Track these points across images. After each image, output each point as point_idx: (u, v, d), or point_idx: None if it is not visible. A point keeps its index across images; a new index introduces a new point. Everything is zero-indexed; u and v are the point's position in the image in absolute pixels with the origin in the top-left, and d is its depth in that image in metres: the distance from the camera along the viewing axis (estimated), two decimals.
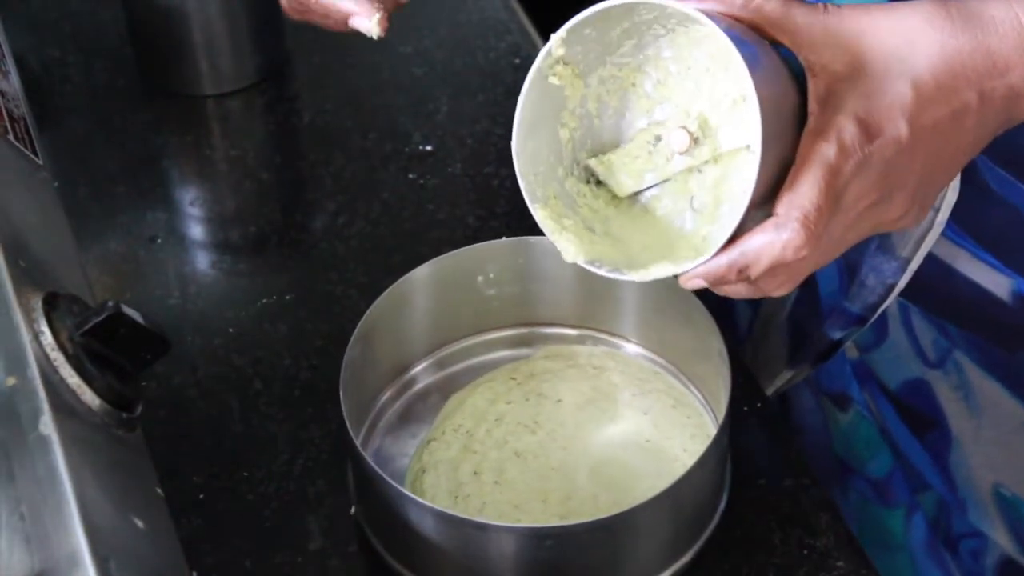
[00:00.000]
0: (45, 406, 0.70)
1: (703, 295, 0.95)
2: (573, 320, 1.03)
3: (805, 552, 0.93)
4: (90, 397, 0.74)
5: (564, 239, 0.80)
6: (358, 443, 0.91)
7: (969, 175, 0.89)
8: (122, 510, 0.71)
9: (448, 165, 1.19)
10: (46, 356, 0.72)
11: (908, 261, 0.94)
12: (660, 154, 0.81)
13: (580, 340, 1.03)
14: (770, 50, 0.76)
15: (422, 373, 1.03)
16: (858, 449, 1.09)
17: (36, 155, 0.89)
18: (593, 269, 0.79)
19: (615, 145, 0.83)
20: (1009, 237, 0.92)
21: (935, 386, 1.00)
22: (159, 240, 1.15)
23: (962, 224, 0.93)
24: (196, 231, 1.18)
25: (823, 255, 0.77)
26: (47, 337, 0.73)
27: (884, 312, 0.99)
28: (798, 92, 0.76)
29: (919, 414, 1.02)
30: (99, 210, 1.17)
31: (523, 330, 1.04)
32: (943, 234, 0.92)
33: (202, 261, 1.15)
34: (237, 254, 1.15)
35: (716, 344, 0.93)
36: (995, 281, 0.94)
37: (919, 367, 1.00)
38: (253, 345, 1.07)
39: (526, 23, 1.32)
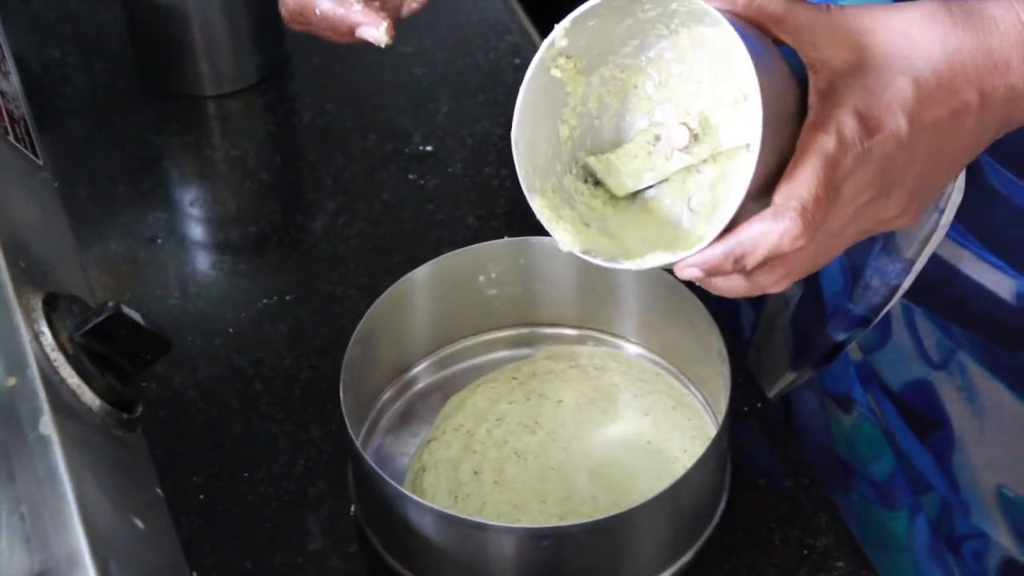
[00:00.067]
0: (45, 406, 0.70)
1: (705, 296, 0.95)
2: (574, 321, 1.03)
3: (805, 552, 0.93)
4: (90, 397, 0.74)
5: (561, 228, 0.80)
6: (358, 443, 0.91)
7: (974, 176, 0.89)
8: (122, 510, 0.71)
9: (448, 165, 1.19)
10: (46, 356, 0.72)
11: (912, 262, 0.94)
12: (659, 153, 0.81)
13: (581, 340, 1.03)
14: (772, 47, 0.76)
15: (423, 373, 1.03)
16: (861, 451, 1.09)
17: (36, 155, 0.89)
18: (589, 258, 0.79)
19: (615, 146, 0.83)
20: (1013, 238, 0.92)
21: (939, 387, 1.00)
22: (159, 240, 1.15)
23: (967, 225, 0.93)
24: (196, 231, 1.18)
25: (820, 250, 0.77)
26: (47, 337, 0.73)
27: (888, 313, 0.99)
28: (798, 89, 0.76)
29: (922, 415, 1.02)
30: (99, 210, 1.18)
31: (523, 330, 1.04)
32: (947, 235, 0.92)
33: (202, 261, 1.15)
34: (237, 254, 1.15)
35: (716, 345, 0.93)
36: (999, 282, 0.94)
37: (923, 368, 1.00)
38: (253, 345, 1.07)
39: (526, 23, 1.32)
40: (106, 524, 0.68)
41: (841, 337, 1.02)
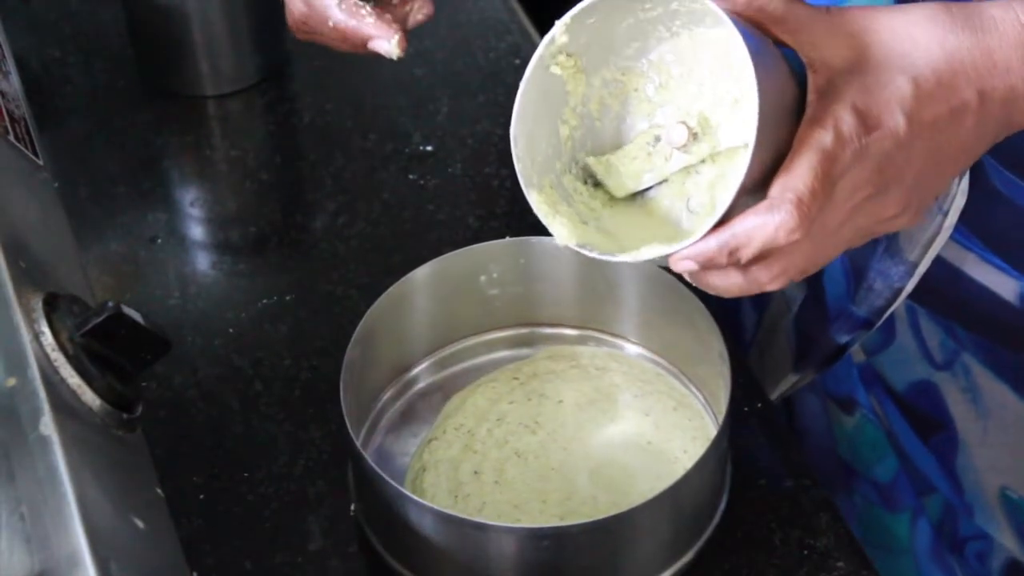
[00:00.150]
0: (45, 406, 0.70)
1: (706, 297, 0.95)
2: (575, 321, 1.03)
3: (805, 552, 0.93)
4: (90, 397, 0.74)
5: (557, 222, 0.80)
6: (358, 443, 0.91)
7: (977, 178, 0.89)
8: (122, 510, 0.71)
9: (448, 165, 1.19)
10: (46, 356, 0.72)
11: (915, 265, 0.94)
12: (659, 154, 0.81)
13: (582, 341, 1.03)
14: (772, 47, 0.76)
15: (423, 373, 1.03)
16: (863, 453, 1.09)
17: (36, 155, 0.89)
18: (584, 252, 0.79)
19: (615, 148, 0.83)
20: (1017, 240, 0.92)
21: (942, 388, 1.00)
22: (159, 240, 1.15)
23: (970, 227, 0.92)
24: (196, 231, 1.18)
25: (817, 247, 0.77)
26: (47, 337, 0.73)
27: (892, 314, 0.99)
28: (798, 89, 0.76)
29: (926, 416, 1.02)
30: (99, 211, 1.18)
31: (524, 330, 1.04)
32: (951, 237, 0.92)
33: (202, 262, 1.15)
34: (237, 255, 1.15)
35: (717, 345, 0.93)
36: (1003, 283, 0.94)
37: (926, 369, 1.00)
38: (253, 346, 1.07)
39: (526, 23, 1.32)
40: (106, 524, 0.68)
41: (844, 339, 1.02)
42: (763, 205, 0.74)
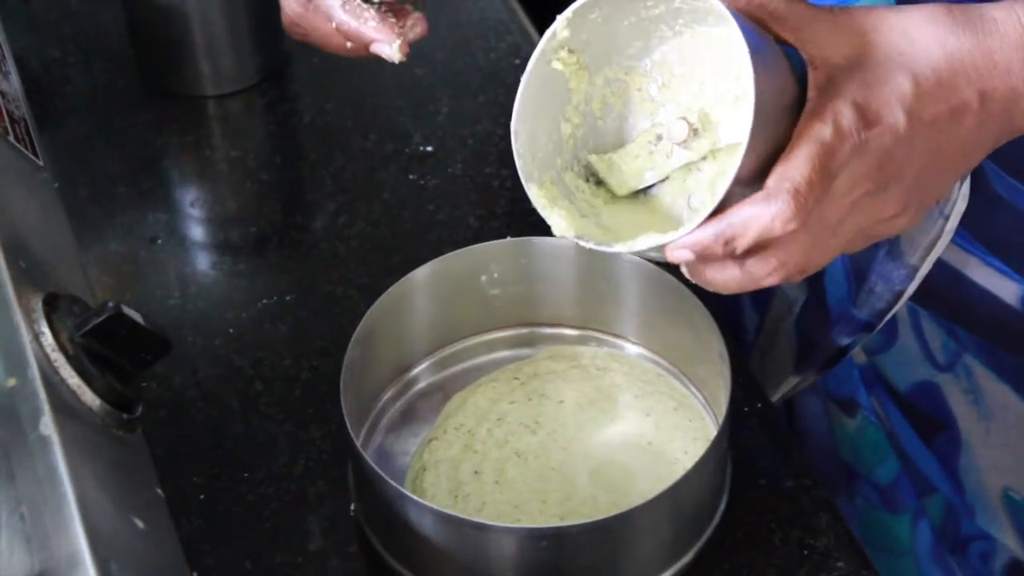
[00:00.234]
0: (45, 407, 0.70)
1: (707, 299, 0.95)
2: (575, 321, 1.03)
3: (805, 553, 0.93)
4: (90, 398, 0.74)
5: (556, 214, 0.79)
6: (358, 443, 0.91)
7: (978, 183, 0.89)
8: (122, 510, 0.71)
9: (449, 165, 1.19)
10: (46, 357, 0.72)
11: (916, 268, 0.93)
12: (660, 152, 0.81)
13: (582, 341, 1.03)
14: (774, 44, 0.76)
15: (423, 373, 1.03)
16: (864, 455, 1.09)
17: (36, 156, 0.89)
18: (582, 243, 0.79)
19: (617, 147, 0.83)
20: (1018, 244, 0.92)
21: (945, 389, 1.00)
22: (159, 241, 1.15)
23: (971, 231, 0.93)
24: (196, 232, 1.18)
25: (816, 243, 0.76)
26: (47, 338, 0.73)
27: (894, 316, 0.99)
28: (799, 87, 0.76)
29: (929, 417, 1.02)
30: (99, 211, 1.18)
31: (524, 330, 1.04)
32: (952, 240, 0.92)
33: (202, 262, 1.15)
34: (237, 255, 1.15)
35: (717, 346, 0.93)
36: (1004, 287, 0.94)
37: (928, 370, 1.00)
38: (253, 346, 1.07)
39: (526, 23, 1.32)
40: (106, 524, 0.68)
41: (845, 342, 1.02)
42: (760, 195, 0.74)
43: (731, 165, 0.76)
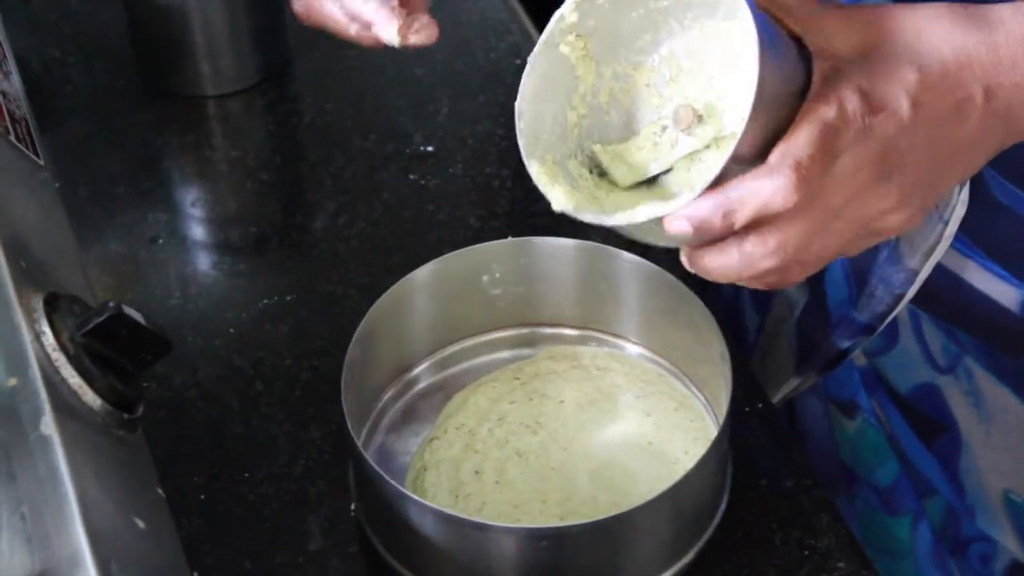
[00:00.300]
0: (46, 406, 0.70)
1: (709, 299, 0.95)
2: (576, 321, 1.03)
3: (806, 553, 0.93)
4: (91, 397, 0.74)
5: (556, 189, 0.79)
6: (359, 443, 0.91)
7: (978, 189, 0.89)
8: (123, 510, 0.71)
9: (449, 166, 1.19)
10: (47, 356, 0.72)
11: (916, 272, 0.93)
12: (665, 143, 0.81)
13: (583, 341, 1.03)
14: (786, 38, 0.76)
15: (424, 373, 1.03)
16: (865, 457, 1.09)
17: (37, 156, 0.89)
18: (581, 215, 0.78)
19: (622, 139, 0.83)
20: (1018, 250, 0.93)
21: (945, 391, 1.00)
22: (160, 241, 1.15)
23: (970, 236, 0.93)
24: (197, 232, 1.18)
25: (817, 227, 0.75)
26: (48, 337, 0.73)
27: (895, 318, 0.99)
28: (806, 76, 0.76)
29: (930, 419, 1.02)
30: (100, 211, 1.17)
31: (525, 330, 1.04)
32: (952, 245, 0.92)
33: (203, 262, 1.15)
34: (238, 255, 1.15)
35: (718, 346, 0.93)
36: (1003, 292, 0.94)
37: (929, 372, 1.01)
38: (254, 346, 1.07)
39: (527, 23, 1.32)
40: (107, 524, 0.68)
41: (845, 345, 1.02)
42: (761, 169, 0.73)
43: (734, 142, 0.75)
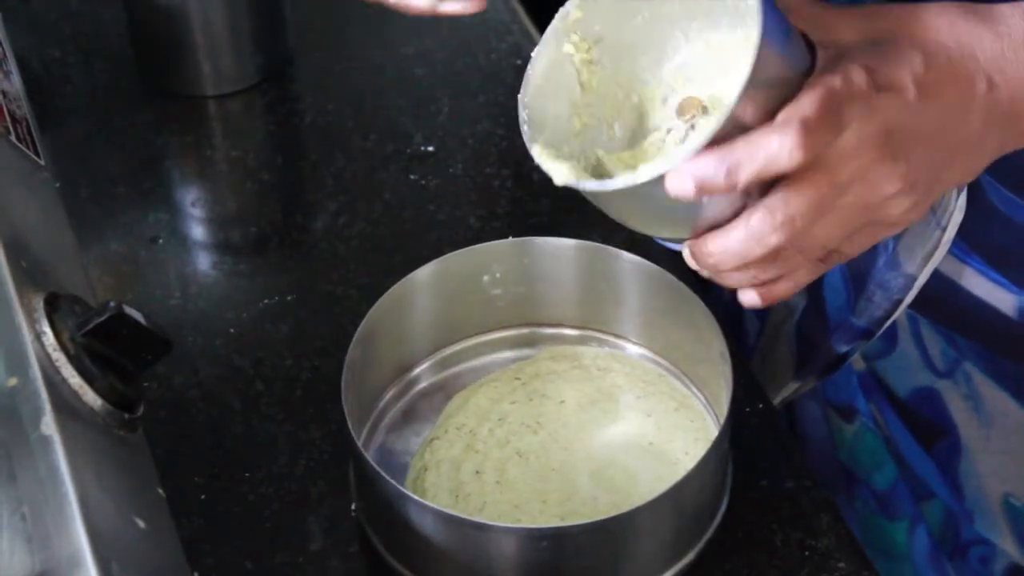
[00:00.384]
0: (47, 406, 0.70)
1: (709, 300, 0.95)
2: (576, 321, 1.03)
3: (806, 553, 0.93)
4: (92, 397, 0.74)
5: (558, 163, 0.77)
6: (359, 443, 0.91)
7: (975, 196, 0.89)
8: (123, 510, 0.71)
9: (449, 166, 1.19)
10: (48, 356, 0.72)
11: (914, 278, 0.93)
12: (671, 143, 0.81)
13: (583, 341, 1.03)
14: (796, 31, 0.76)
15: (425, 373, 1.03)
16: (863, 460, 1.09)
17: (38, 156, 0.89)
18: (583, 185, 0.76)
19: (626, 148, 0.83)
20: (1014, 255, 0.93)
21: (945, 395, 1.00)
22: (160, 241, 1.15)
23: (968, 242, 0.93)
24: (197, 232, 1.18)
25: (821, 199, 0.74)
26: (49, 337, 0.73)
27: (894, 322, 0.99)
28: (811, 63, 0.76)
29: (929, 423, 1.02)
30: (100, 211, 1.17)
31: (525, 330, 1.04)
32: (950, 251, 0.92)
33: (203, 262, 1.15)
34: (238, 255, 1.15)
35: (718, 346, 0.93)
36: (1001, 298, 0.94)
37: (928, 376, 1.01)
38: (254, 346, 1.07)
39: (527, 24, 1.32)
40: (107, 524, 0.68)
41: (844, 349, 1.02)
42: (766, 127, 0.72)
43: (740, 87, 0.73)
